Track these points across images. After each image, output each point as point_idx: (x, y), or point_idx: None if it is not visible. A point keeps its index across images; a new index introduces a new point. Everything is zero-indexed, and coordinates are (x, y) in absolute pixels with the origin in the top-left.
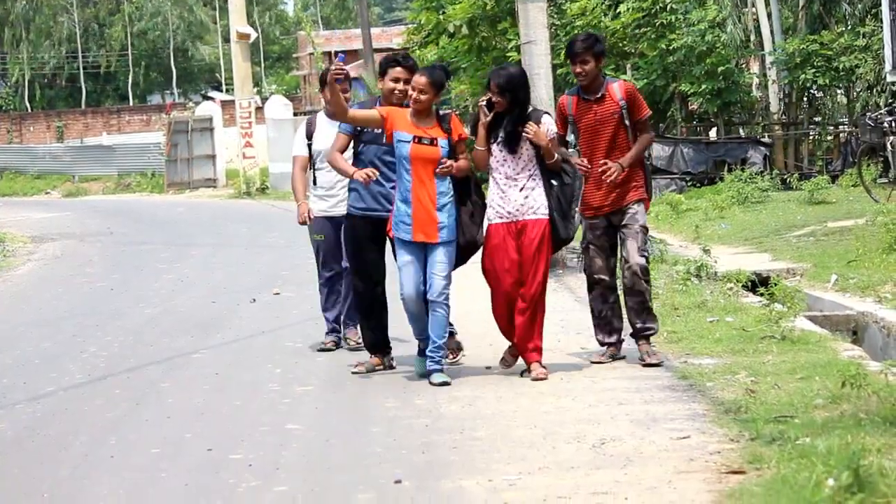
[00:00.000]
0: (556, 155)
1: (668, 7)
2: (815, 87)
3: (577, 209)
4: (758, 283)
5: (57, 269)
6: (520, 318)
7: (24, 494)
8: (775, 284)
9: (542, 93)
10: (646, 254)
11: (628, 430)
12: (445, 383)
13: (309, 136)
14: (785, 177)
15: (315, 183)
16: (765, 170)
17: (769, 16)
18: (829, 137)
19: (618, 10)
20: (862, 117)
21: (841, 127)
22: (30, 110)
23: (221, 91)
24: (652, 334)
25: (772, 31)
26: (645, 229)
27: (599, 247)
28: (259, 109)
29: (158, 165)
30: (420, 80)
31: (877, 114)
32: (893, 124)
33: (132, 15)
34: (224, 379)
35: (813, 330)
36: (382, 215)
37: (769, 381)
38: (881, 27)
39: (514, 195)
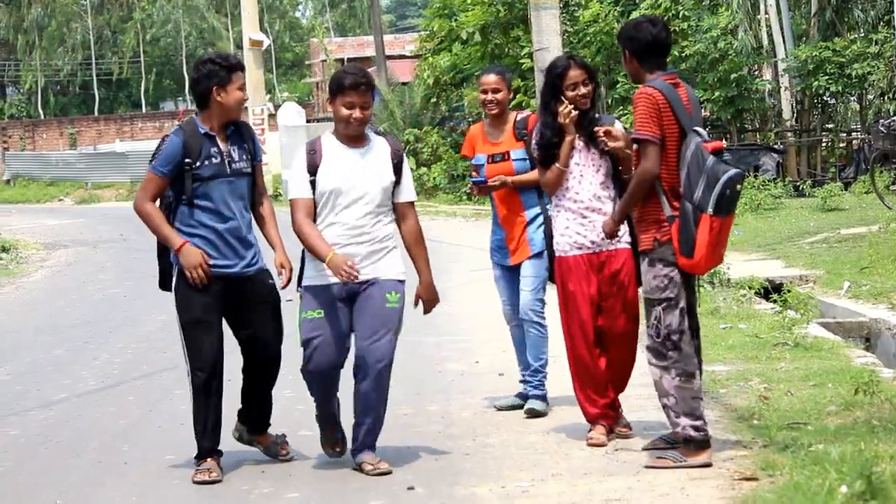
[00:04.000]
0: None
1: (681, 14)
2: (827, 93)
3: None
4: (770, 290)
5: (69, 275)
6: (602, 367)
7: (37, 500)
8: (788, 291)
9: None
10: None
11: (641, 436)
12: (538, 414)
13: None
14: (797, 184)
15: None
16: (777, 177)
17: (781, 23)
18: (841, 144)
19: (630, 17)
20: (874, 124)
21: (853, 134)
22: (43, 117)
23: None
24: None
25: (784, 38)
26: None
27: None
28: (272, 116)
29: None
30: (490, 78)
31: (889, 120)
32: None
33: (144, 22)
34: (237, 385)
35: (826, 337)
36: (237, 272)
37: (782, 387)
38: (894, 34)
39: (599, 220)
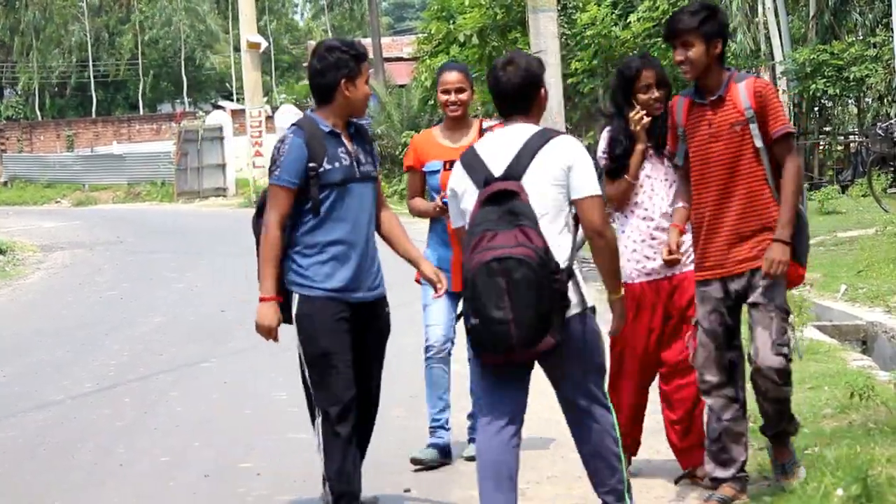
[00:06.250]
0: None
1: None
2: (825, 96)
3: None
4: None
5: (66, 278)
6: (674, 402)
7: (34, 502)
8: None
9: (552, 103)
10: (785, 350)
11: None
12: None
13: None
14: None
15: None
16: None
17: (779, 25)
18: (839, 147)
19: (628, 20)
20: (872, 127)
21: (851, 137)
22: (40, 119)
23: (232, 100)
24: (791, 434)
25: (781, 41)
26: (783, 312)
27: (709, 331)
28: (269, 118)
29: (168, 174)
30: (452, 77)
31: (887, 124)
32: None
33: (142, 24)
34: (233, 388)
35: (822, 340)
36: (361, 297)
37: None
38: (892, 37)
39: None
